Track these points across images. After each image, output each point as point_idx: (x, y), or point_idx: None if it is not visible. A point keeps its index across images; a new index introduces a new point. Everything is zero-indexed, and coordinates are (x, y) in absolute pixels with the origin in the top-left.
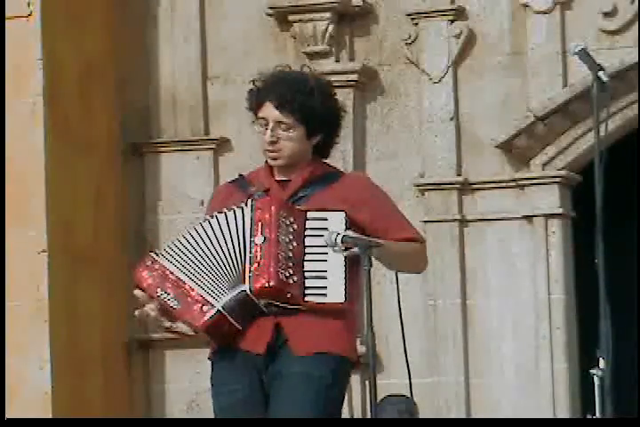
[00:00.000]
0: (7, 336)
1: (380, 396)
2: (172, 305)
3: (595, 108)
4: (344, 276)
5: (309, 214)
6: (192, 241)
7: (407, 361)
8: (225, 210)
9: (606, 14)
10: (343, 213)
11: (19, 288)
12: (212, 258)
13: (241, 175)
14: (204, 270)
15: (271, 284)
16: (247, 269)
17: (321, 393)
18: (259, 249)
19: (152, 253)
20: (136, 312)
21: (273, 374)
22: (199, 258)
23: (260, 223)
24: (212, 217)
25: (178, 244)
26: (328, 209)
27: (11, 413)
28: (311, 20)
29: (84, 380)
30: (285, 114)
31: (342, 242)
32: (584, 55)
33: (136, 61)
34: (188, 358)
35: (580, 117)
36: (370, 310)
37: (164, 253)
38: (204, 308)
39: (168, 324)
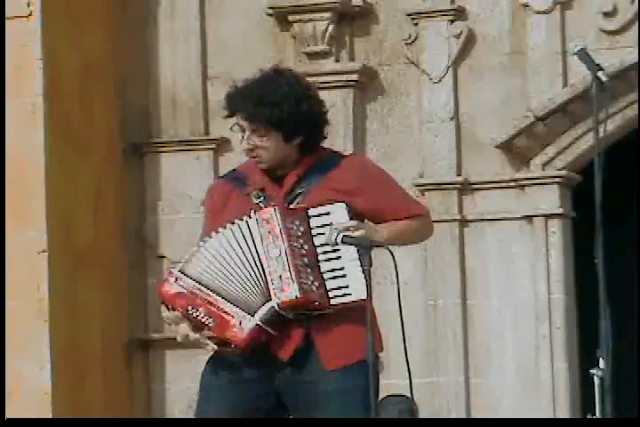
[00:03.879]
0: (7, 336)
1: (380, 396)
2: (206, 323)
3: (594, 108)
4: (361, 269)
5: (311, 212)
6: (210, 255)
7: (407, 361)
8: (229, 225)
9: (606, 14)
10: (344, 204)
11: (19, 288)
12: (234, 274)
13: (234, 169)
14: (231, 285)
15: (298, 296)
16: (270, 285)
17: (360, 403)
18: (275, 263)
19: (172, 269)
20: (178, 337)
21: (301, 385)
22: (222, 273)
23: (270, 236)
24: (224, 228)
25: (197, 257)
26: (328, 203)
27: (11, 413)
28: (311, 20)
29: (84, 380)
30: (255, 125)
31: (342, 242)
32: (584, 55)
33: (136, 61)
34: (188, 359)
35: (580, 117)
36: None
37: (184, 268)
38: (243, 323)
39: (213, 346)
